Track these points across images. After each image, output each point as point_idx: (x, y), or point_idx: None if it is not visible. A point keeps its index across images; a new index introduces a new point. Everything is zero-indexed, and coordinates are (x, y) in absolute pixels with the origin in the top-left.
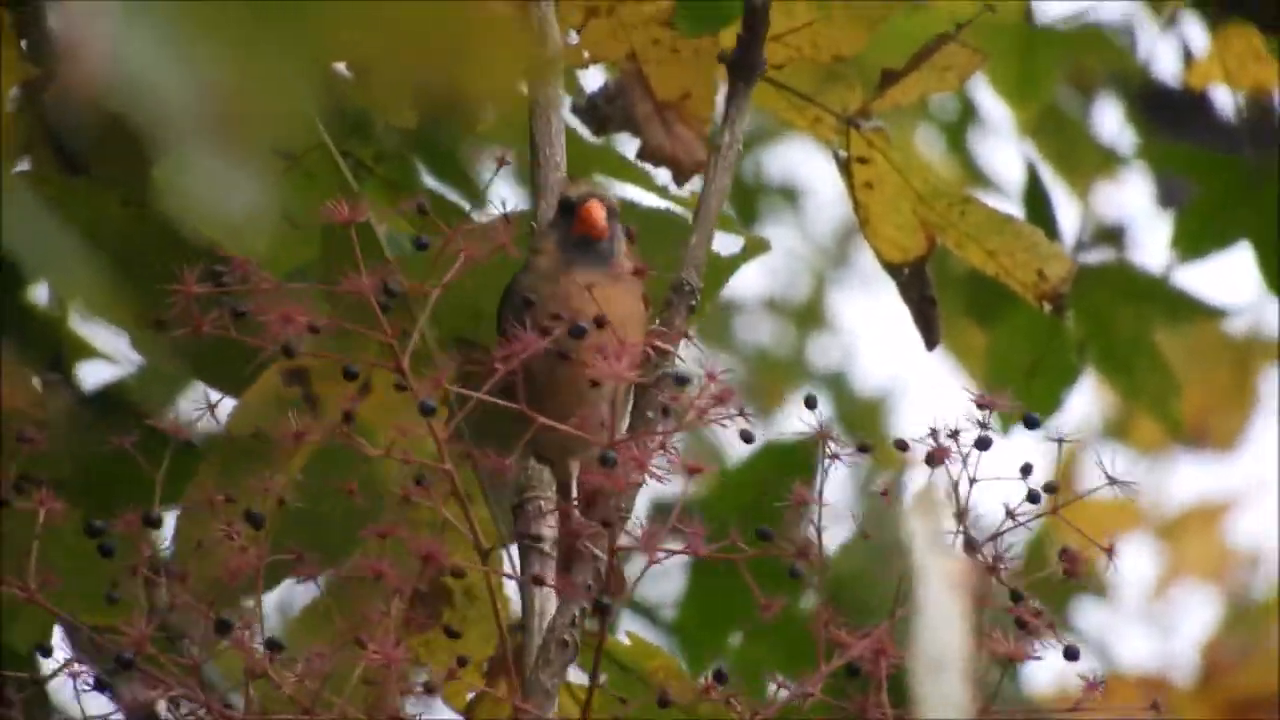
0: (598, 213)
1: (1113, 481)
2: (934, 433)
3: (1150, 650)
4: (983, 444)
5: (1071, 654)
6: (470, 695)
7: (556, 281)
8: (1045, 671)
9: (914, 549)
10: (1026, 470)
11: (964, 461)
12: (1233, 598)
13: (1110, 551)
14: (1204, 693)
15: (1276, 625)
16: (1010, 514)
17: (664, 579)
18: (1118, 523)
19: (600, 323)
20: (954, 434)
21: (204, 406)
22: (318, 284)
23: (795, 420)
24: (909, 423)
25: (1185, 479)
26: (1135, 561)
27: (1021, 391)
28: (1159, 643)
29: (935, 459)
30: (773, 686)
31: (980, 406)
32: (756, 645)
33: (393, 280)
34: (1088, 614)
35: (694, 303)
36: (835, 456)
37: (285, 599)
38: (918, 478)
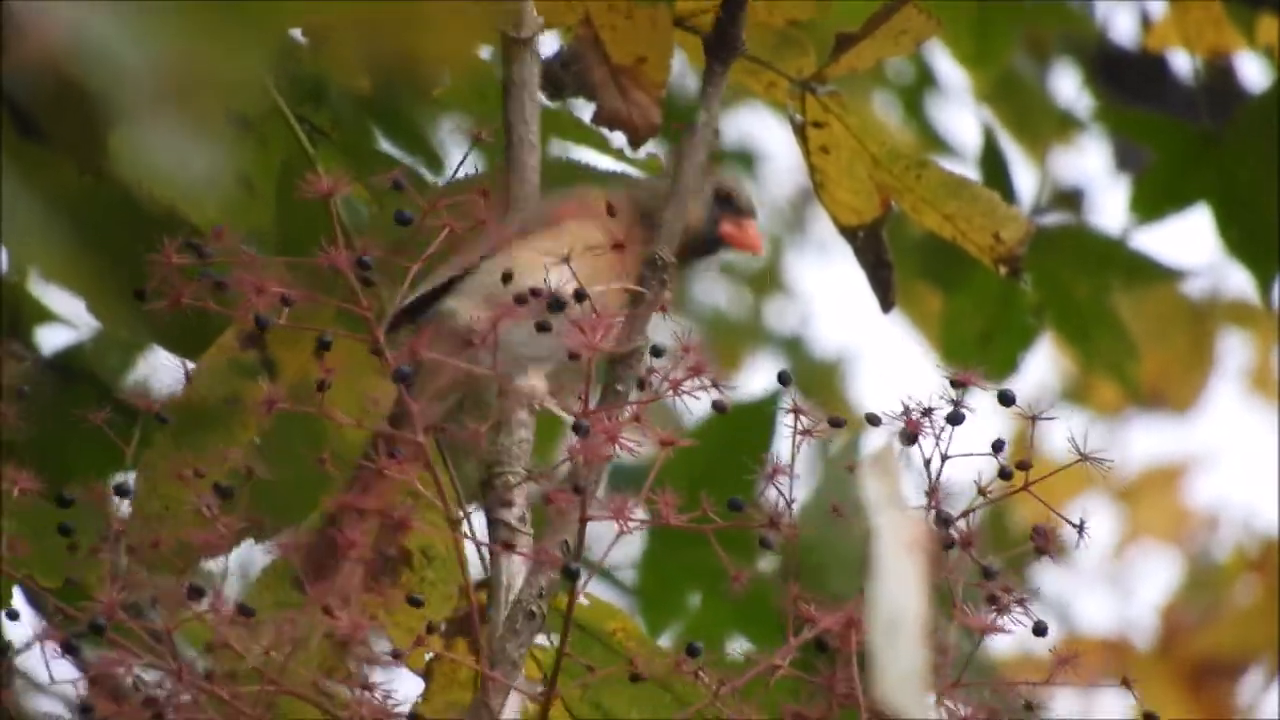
0: (759, 239)
1: (1085, 457)
2: (907, 409)
3: (1110, 612)
4: (955, 419)
5: (1040, 630)
6: (429, 657)
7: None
8: (1006, 637)
9: (871, 512)
10: (998, 446)
11: (936, 436)
12: (1192, 560)
13: (1080, 528)
14: (1164, 655)
15: (1236, 588)
16: (982, 491)
17: (622, 541)
18: (1078, 486)
19: (580, 296)
20: (927, 411)
21: (167, 372)
22: (296, 259)
23: (753, 384)
24: (867, 386)
25: (1143, 441)
26: (1094, 524)
27: (978, 355)
28: (1118, 605)
29: (909, 435)
30: (735, 652)
31: (955, 384)
32: (715, 607)
33: (367, 253)
34: (1047, 576)
35: (668, 277)
36: (808, 432)
37: (244, 560)
38: (875, 442)
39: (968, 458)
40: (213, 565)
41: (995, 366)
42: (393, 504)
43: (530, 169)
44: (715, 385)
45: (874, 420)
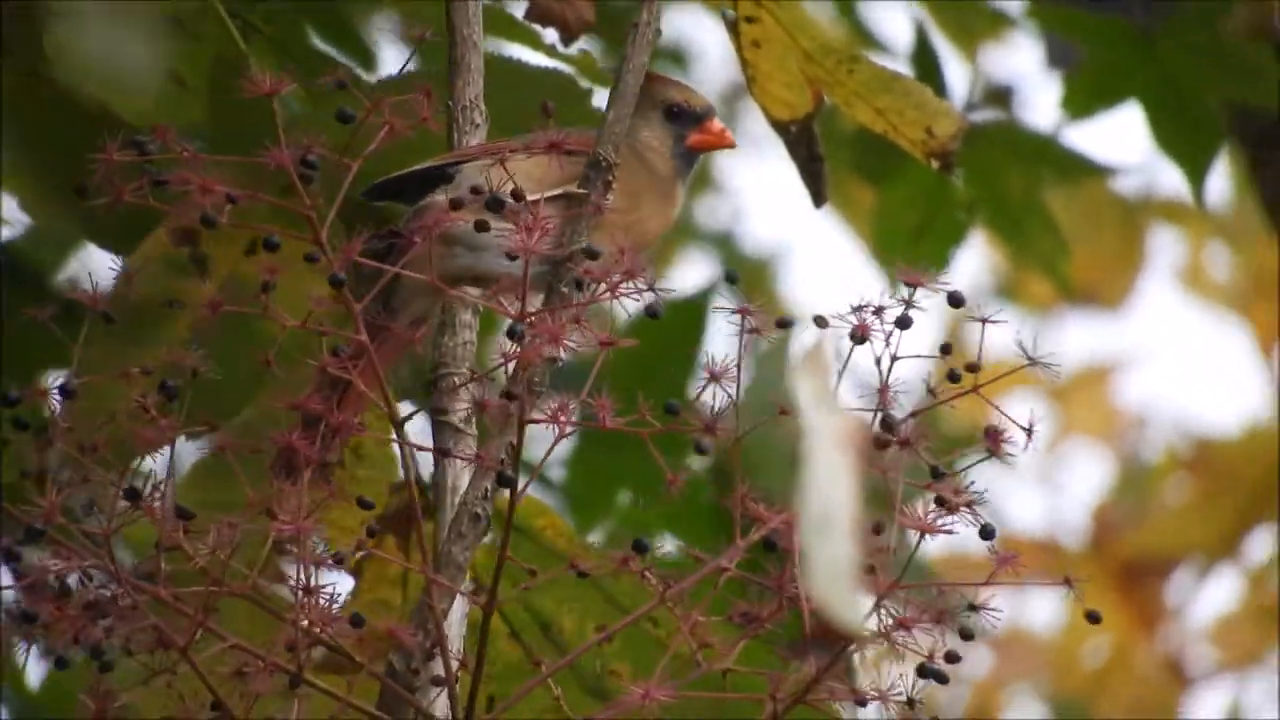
0: (728, 132)
1: (1033, 361)
2: (857, 309)
3: (1041, 512)
4: (904, 323)
5: (986, 533)
6: (360, 555)
7: (672, 184)
8: (936, 540)
9: (803, 410)
10: (946, 350)
11: (886, 338)
12: (1123, 459)
13: (1030, 431)
14: (1094, 554)
15: (1166, 487)
16: (932, 392)
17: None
18: (1010, 384)
19: (517, 196)
20: (878, 310)
21: (100, 269)
22: (241, 157)
23: (685, 281)
24: (798, 283)
25: (1075, 339)
26: (1025, 422)
27: (910, 250)
28: (1050, 504)
29: (859, 336)
30: (667, 551)
31: (906, 284)
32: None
33: (311, 152)
34: (977, 474)
35: (611, 178)
36: (756, 331)
37: (176, 459)
38: (806, 338)
39: (913, 359)
40: (153, 464)
41: (927, 262)
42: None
43: (475, 70)
44: (651, 289)
45: (822, 322)
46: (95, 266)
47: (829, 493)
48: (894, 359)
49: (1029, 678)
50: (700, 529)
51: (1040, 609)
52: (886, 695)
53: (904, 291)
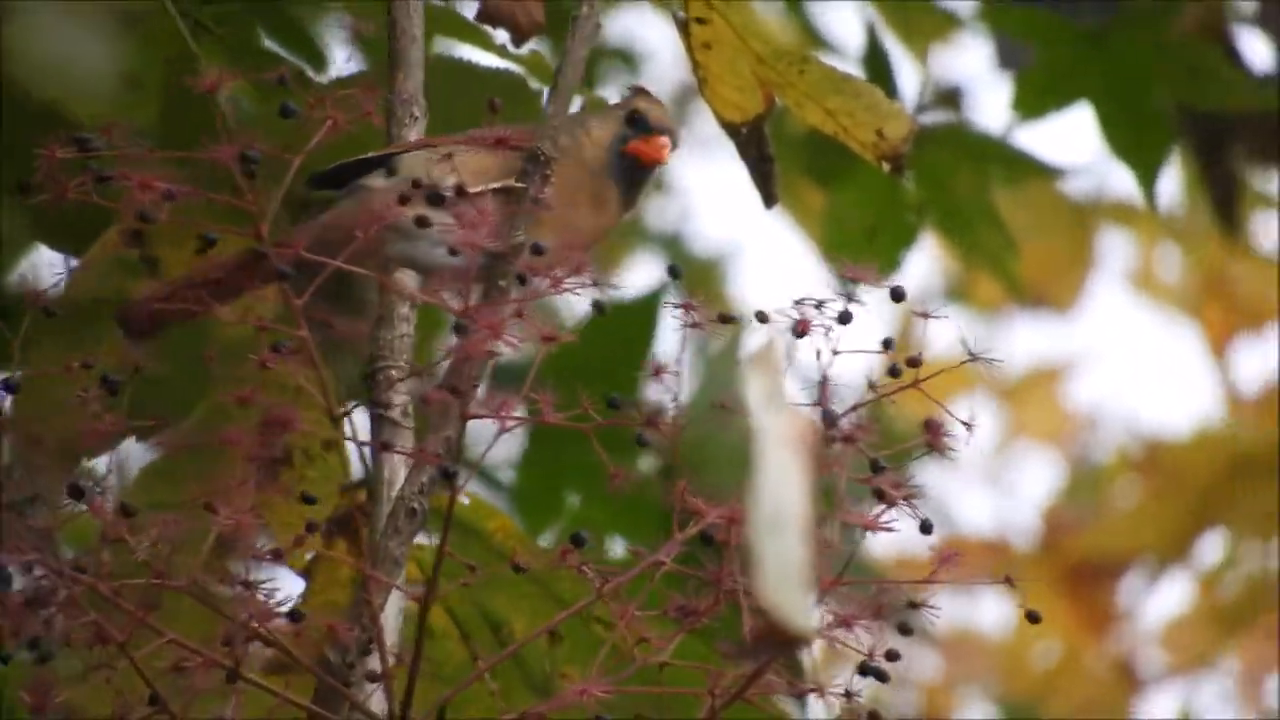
0: (668, 154)
1: (974, 356)
2: (798, 303)
3: (990, 513)
4: (845, 319)
5: (926, 528)
6: (310, 556)
7: (604, 183)
8: (884, 539)
9: (753, 409)
10: (888, 344)
11: (826, 332)
12: (1073, 461)
13: (969, 425)
14: (1044, 556)
15: (1117, 489)
16: (872, 386)
17: (503, 440)
18: (958, 385)
19: (460, 191)
20: (820, 304)
21: (49, 269)
22: (180, 153)
23: (634, 282)
24: (748, 284)
25: (1025, 341)
26: (980, 422)
27: (860, 252)
28: (999, 505)
29: (799, 330)
30: (617, 553)
31: (846, 279)
32: (594, 507)
33: (252, 148)
34: (928, 476)
35: (549, 173)
36: (697, 325)
37: (123, 459)
38: (757, 339)
39: (856, 354)
40: (97, 462)
41: (878, 263)
42: (276, 401)
43: (415, 64)
44: (596, 283)
45: (763, 317)
46: (46, 266)
47: (779, 492)
48: (835, 353)
49: (979, 680)
50: (649, 530)
51: (990, 611)
52: (824, 690)
53: (845, 287)
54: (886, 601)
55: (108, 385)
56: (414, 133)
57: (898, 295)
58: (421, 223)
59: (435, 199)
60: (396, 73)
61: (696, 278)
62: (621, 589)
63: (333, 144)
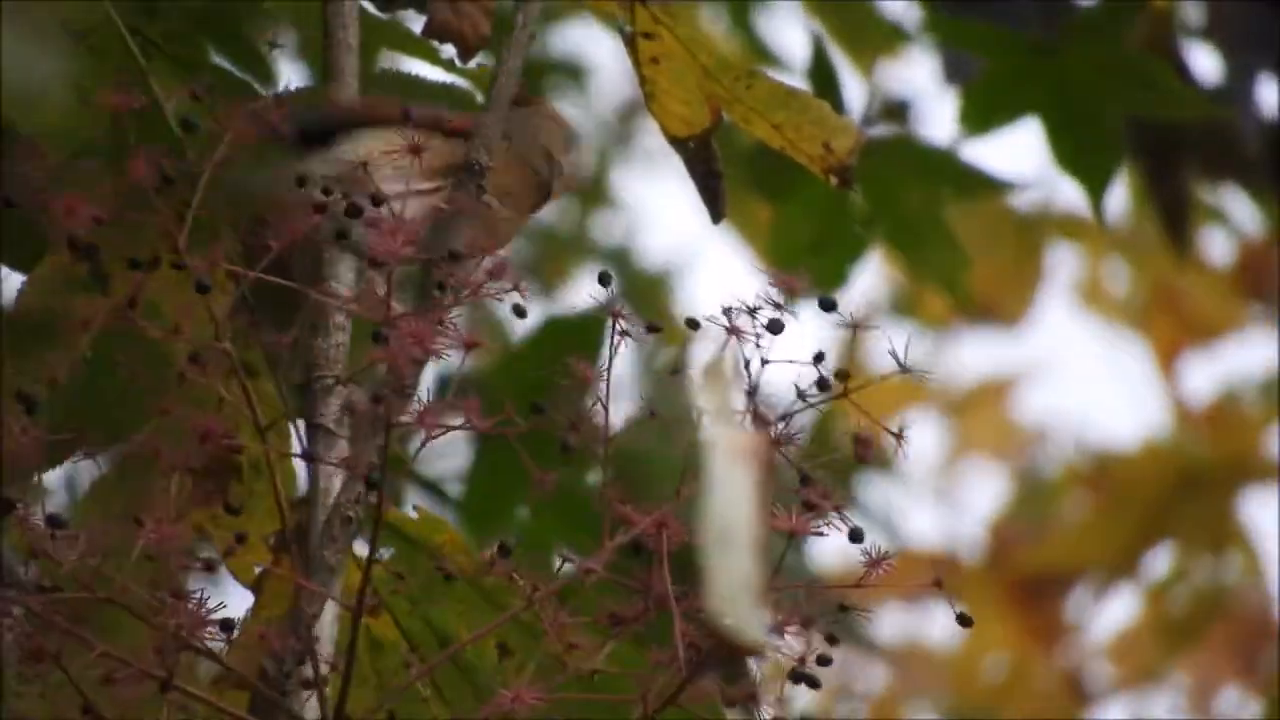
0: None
1: (905, 370)
2: (728, 311)
3: (939, 528)
4: (775, 327)
5: (856, 536)
6: (257, 570)
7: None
8: (835, 552)
9: (701, 424)
10: (819, 358)
11: (756, 341)
12: (1021, 475)
13: (900, 436)
14: (992, 571)
15: (1065, 503)
16: (801, 395)
17: (450, 454)
18: (905, 399)
19: (377, 200)
20: (752, 310)
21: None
22: (101, 166)
23: (580, 297)
24: (694, 298)
25: (973, 355)
26: (923, 438)
27: (808, 266)
28: (947, 520)
29: (730, 337)
30: (557, 560)
31: (776, 287)
32: (543, 521)
33: (167, 163)
34: (875, 491)
35: (483, 182)
36: (625, 333)
37: (72, 478)
38: (704, 353)
39: (789, 364)
40: (48, 478)
41: (825, 277)
42: (201, 413)
43: (348, 73)
44: (516, 288)
45: (694, 324)
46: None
47: (729, 508)
48: (764, 362)
49: (927, 693)
50: (597, 542)
51: (939, 624)
52: (756, 696)
53: (776, 295)
54: (818, 606)
55: (23, 400)
56: None
57: (827, 305)
58: (341, 237)
59: (354, 212)
60: (331, 82)
61: (642, 293)
62: (552, 596)
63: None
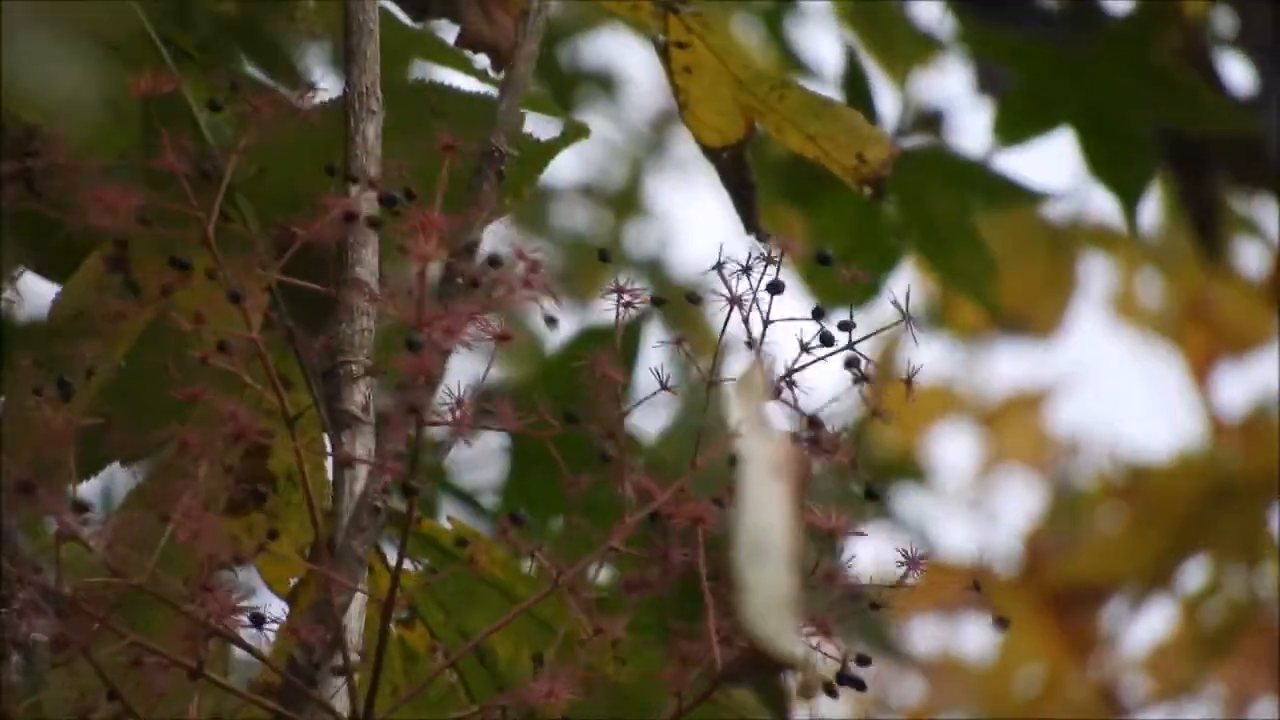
0: None
1: (905, 317)
2: (719, 266)
3: (972, 539)
4: (776, 288)
5: (872, 494)
6: (293, 581)
7: None
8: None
9: (736, 433)
10: (818, 314)
11: (755, 301)
12: (1054, 486)
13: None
14: (1026, 582)
15: (1099, 514)
16: (805, 348)
17: (485, 465)
18: (939, 409)
19: (410, 195)
20: (746, 269)
21: (31, 294)
22: (132, 164)
23: (612, 307)
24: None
25: (1006, 365)
26: (956, 449)
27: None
28: (980, 531)
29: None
30: (602, 577)
31: (775, 248)
32: (578, 531)
33: (206, 158)
34: (908, 501)
35: (503, 168)
36: (629, 305)
37: (110, 487)
38: (739, 362)
39: (788, 321)
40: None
41: (857, 288)
42: (229, 400)
43: (371, 57)
44: (549, 292)
45: (695, 299)
46: (26, 292)
47: (764, 520)
48: (766, 323)
49: (961, 706)
50: (635, 548)
51: (973, 637)
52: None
53: (773, 253)
54: (850, 607)
55: (61, 386)
56: (372, 127)
57: (823, 259)
58: (373, 224)
59: (389, 201)
60: (353, 66)
61: (677, 303)
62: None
63: (297, 142)
